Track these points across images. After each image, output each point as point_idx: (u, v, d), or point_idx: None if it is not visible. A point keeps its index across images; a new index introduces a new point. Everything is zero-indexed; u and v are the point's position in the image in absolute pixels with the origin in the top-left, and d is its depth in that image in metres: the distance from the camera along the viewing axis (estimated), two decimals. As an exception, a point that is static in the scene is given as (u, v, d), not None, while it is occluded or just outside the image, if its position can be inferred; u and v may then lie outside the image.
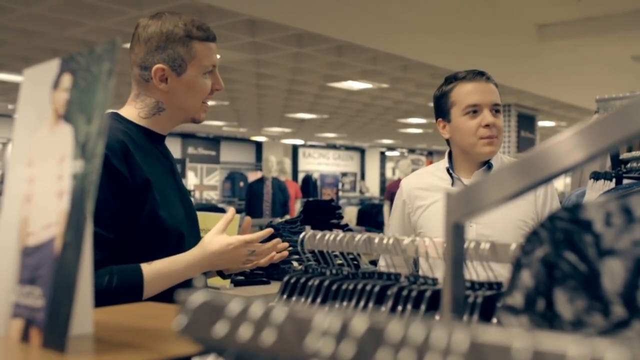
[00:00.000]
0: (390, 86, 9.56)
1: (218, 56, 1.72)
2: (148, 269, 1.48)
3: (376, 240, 1.43)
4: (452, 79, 2.14)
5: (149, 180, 1.53)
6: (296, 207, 9.73)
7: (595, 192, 3.00)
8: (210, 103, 1.75)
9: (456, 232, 0.83)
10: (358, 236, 1.46)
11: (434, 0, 7.31)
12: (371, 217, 10.84)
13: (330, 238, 1.49)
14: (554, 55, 9.31)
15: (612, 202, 0.75)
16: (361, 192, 19.64)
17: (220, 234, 1.59)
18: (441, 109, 2.18)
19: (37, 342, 0.83)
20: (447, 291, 0.84)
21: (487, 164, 2.11)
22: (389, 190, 10.29)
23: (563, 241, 0.77)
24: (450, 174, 2.15)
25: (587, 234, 0.76)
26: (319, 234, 1.53)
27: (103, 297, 1.35)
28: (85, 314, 0.88)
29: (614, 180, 2.99)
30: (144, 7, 5.52)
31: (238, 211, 11.00)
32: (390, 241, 1.40)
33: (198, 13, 5.61)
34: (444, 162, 2.20)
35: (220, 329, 0.53)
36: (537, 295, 0.78)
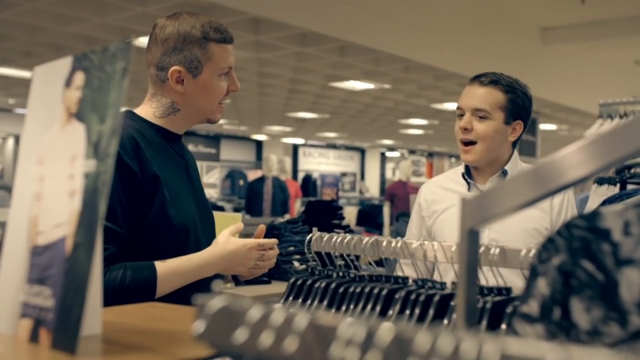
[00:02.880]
0: (392, 87, 9.55)
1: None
2: (162, 266, 1.49)
3: (384, 244, 1.43)
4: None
5: (158, 177, 1.54)
6: (296, 206, 9.73)
7: (599, 197, 2.99)
8: None
9: (471, 238, 0.82)
10: (365, 239, 1.46)
11: (438, 2, 7.30)
12: (371, 217, 10.85)
13: (338, 240, 1.49)
14: (556, 59, 9.30)
15: (630, 210, 0.74)
16: (361, 192, 19.64)
17: (232, 236, 1.61)
18: None
19: (47, 342, 0.82)
20: (460, 297, 0.83)
21: (503, 170, 2.08)
22: (389, 191, 10.28)
23: (580, 249, 0.76)
24: (466, 180, 2.12)
25: (605, 243, 0.75)
26: (326, 236, 1.53)
27: (116, 293, 1.36)
28: (94, 315, 0.87)
29: (618, 185, 2.98)
30: (148, 4, 5.50)
31: (237, 210, 10.99)
32: (398, 244, 1.40)
33: (202, 11, 5.59)
34: (461, 168, 2.17)
35: (240, 335, 0.52)
36: (553, 303, 0.77)
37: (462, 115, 2.07)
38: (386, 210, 10.04)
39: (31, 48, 7.50)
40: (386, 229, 9.92)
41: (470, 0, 7.59)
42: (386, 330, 0.45)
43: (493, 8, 8.00)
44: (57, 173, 0.89)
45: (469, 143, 2.05)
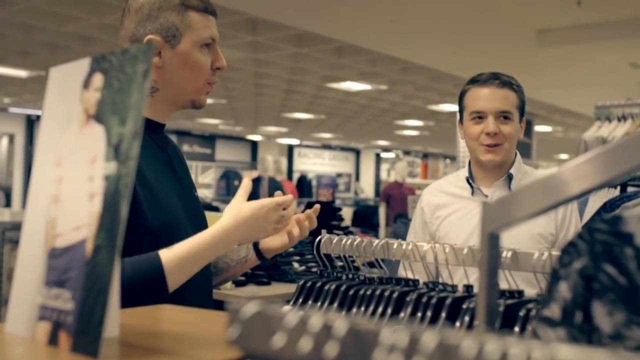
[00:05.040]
0: (388, 88, 9.56)
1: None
2: (167, 254, 1.31)
3: (395, 246, 1.43)
4: (470, 81, 2.10)
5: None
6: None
7: (599, 199, 3.00)
8: (207, 101, 1.59)
9: (492, 242, 0.82)
10: (376, 241, 1.46)
11: (435, 4, 7.31)
12: (366, 218, 10.85)
13: (347, 242, 1.49)
14: (552, 60, 9.33)
15: (653, 215, 0.74)
16: (356, 193, 19.64)
17: (244, 201, 1.44)
18: (459, 110, 2.16)
19: (67, 346, 0.82)
20: (481, 300, 0.83)
21: (508, 174, 2.08)
22: (385, 192, 10.31)
23: (602, 253, 0.76)
24: (469, 184, 2.11)
25: (627, 247, 0.75)
26: (336, 238, 1.53)
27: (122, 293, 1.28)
28: (112, 317, 0.87)
29: (618, 187, 2.99)
30: (146, 3, 5.49)
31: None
32: (409, 247, 1.40)
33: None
34: (464, 172, 2.16)
35: (278, 340, 0.52)
36: (575, 307, 0.77)
37: (479, 118, 2.05)
38: (382, 211, 10.06)
39: (27, 47, 7.46)
40: (382, 229, 9.93)
41: (467, 2, 7.60)
42: (430, 336, 0.45)
43: (490, 10, 8.01)
44: (76, 175, 0.88)
45: (495, 144, 2.05)
